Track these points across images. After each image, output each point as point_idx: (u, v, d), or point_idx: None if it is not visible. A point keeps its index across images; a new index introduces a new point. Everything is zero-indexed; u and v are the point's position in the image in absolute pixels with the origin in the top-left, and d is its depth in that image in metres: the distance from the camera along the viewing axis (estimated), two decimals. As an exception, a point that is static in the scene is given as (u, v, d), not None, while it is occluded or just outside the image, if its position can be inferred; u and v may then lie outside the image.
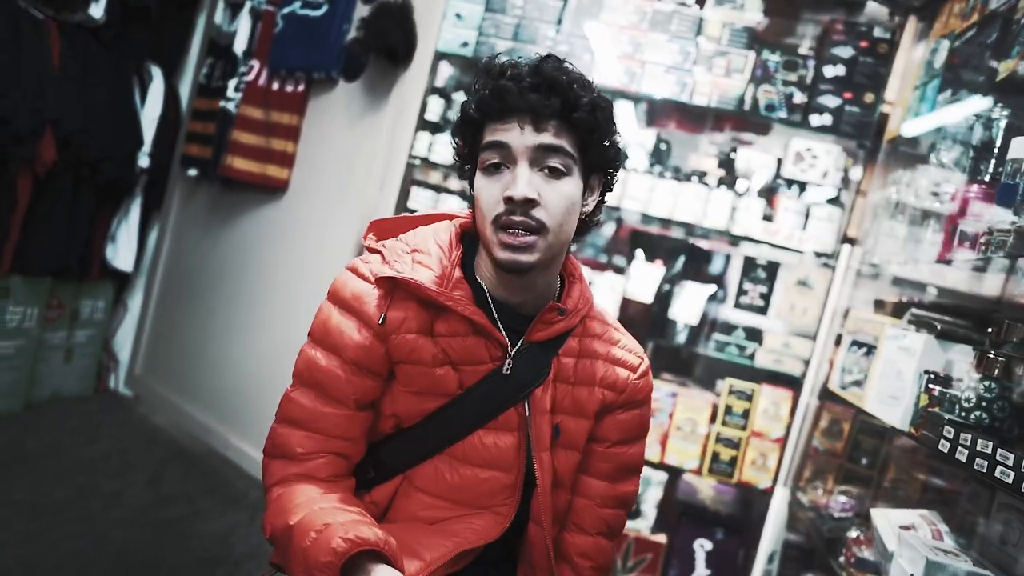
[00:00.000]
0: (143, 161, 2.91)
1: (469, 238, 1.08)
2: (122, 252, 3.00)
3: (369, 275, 1.01)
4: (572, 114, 0.95)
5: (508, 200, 0.94)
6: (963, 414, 1.31)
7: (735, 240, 2.31)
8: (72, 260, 2.78)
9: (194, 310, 3.02)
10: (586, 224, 1.07)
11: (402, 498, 1.05)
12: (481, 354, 1.02)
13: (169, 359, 3.11)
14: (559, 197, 0.96)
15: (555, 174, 0.96)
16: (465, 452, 1.04)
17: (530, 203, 0.94)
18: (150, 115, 2.94)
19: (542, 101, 0.93)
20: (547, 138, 0.95)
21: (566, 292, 1.08)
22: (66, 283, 2.88)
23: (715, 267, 2.34)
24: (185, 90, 3.16)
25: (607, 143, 1.01)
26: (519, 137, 0.95)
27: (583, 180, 1.01)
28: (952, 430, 1.25)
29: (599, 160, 1.02)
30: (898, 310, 1.91)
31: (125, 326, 3.23)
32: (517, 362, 1.03)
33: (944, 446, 1.26)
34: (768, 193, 2.24)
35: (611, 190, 1.09)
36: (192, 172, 2.98)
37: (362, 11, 2.52)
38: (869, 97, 2.12)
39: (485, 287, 1.04)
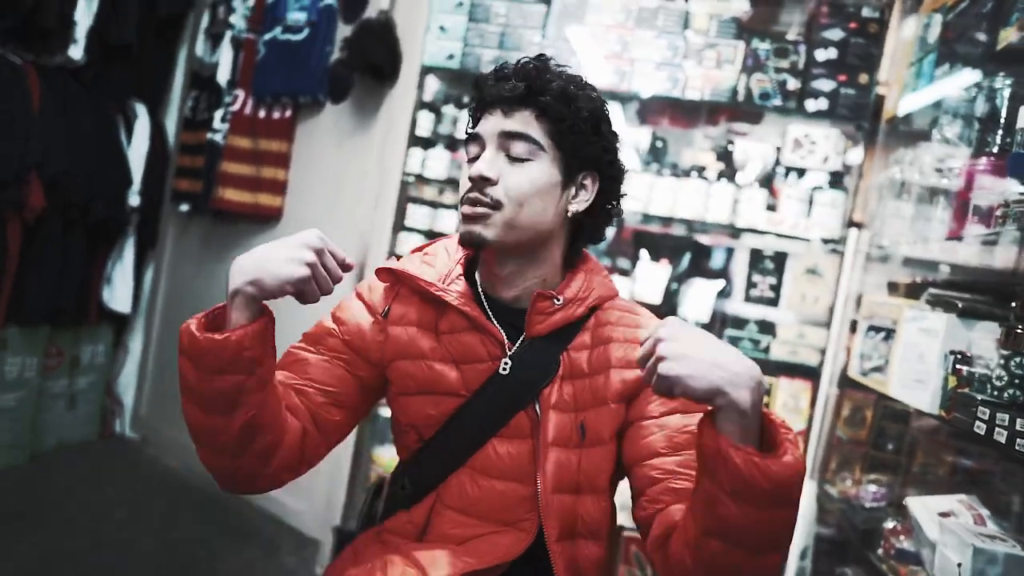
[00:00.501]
0: (133, 200, 2.88)
1: None
2: (119, 293, 2.96)
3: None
4: (539, 98, 0.97)
5: (469, 179, 0.98)
6: (995, 393, 1.27)
7: (740, 233, 2.28)
8: (67, 305, 2.73)
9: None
10: (587, 227, 1.07)
11: (436, 516, 1.04)
12: (479, 351, 1.01)
13: (175, 398, 3.03)
14: (520, 178, 0.97)
15: (518, 160, 0.98)
16: (483, 463, 1.01)
17: (486, 181, 0.97)
18: (137, 153, 2.91)
19: (509, 88, 0.97)
20: (511, 124, 0.98)
21: (564, 282, 1.05)
22: (64, 330, 2.84)
23: (721, 262, 2.31)
24: (171, 125, 3.13)
25: (589, 136, 1.00)
26: (490, 124, 0.99)
27: (564, 174, 1.00)
28: (987, 411, 1.21)
29: (581, 154, 1.00)
30: (912, 291, 1.87)
31: (127, 368, 3.19)
32: (519, 361, 1.01)
33: (980, 428, 1.22)
34: (769, 183, 2.21)
35: (615, 196, 1.07)
36: (184, 207, 2.95)
37: (344, 32, 2.50)
38: (863, 78, 2.09)
39: (480, 285, 1.06)
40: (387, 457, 2.39)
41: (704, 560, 0.80)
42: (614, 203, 1.07)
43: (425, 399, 1.03)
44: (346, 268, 0.90)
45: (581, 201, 1.03)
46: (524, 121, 0.98)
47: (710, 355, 0.75)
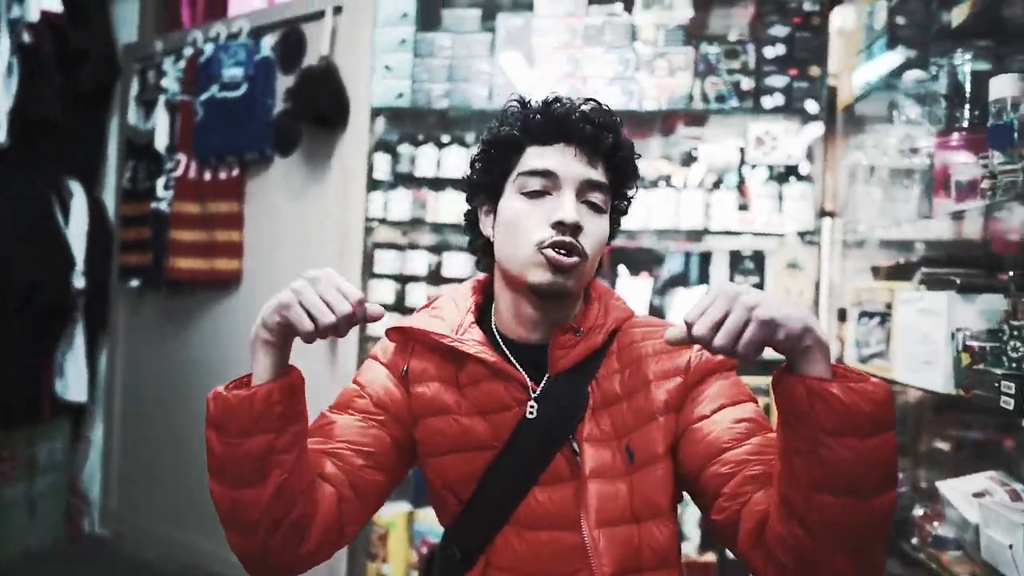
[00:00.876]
0: (78, 281, 2.72)
1: (487, 290, 1.08)
2: (72, 383, 2.77)
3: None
4: (618, 153, 0.97)
5: (558, 224, 0.92)
6: (1013, 366, 1.25)
7: (716, 236, 2.27)
8: (17, 403, 2.54)
9: (163, 428, 2.80)
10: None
11: None
12: (504, 398, 0.97)
13: (146, 486, 2.86)
14: (598, 229, 0.96)
15: (596, 209, 0.96)
16: (527, 515, 0.95)
17: (579, 229, 0.93)
18: (77, 232, 2.75)
19: (597, 134, 0.94)
20: (597, 174, 0.96)
21: (581, 313, 1.02)
22: (16, 431, 2.63)
23: (701, 268, 2.29)
24: (110, 199, 2.97)
25: (631, 195, 1.04)
26: (569, 165, 0.94)
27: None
28: (1012, 385, 1.19)
29: (622, 209, 1.04)
30: (896, 273, 1.88)
31: (91, 461, 2.98)
32: (546, 401, 0.96)
33: (1007, 403, 1.20)
34: (738, 183, 2.21)
35: (608, 242, 1.07)
36: (134, 282, 2.79)
37: (285, 82, 2.42)
38: (815, 70, 2.12)
39: (500, 330, 1.02)
40: (386, 518, 2.26)
41: (817, 524, 0.76)
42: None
43: (457, 457, 0.98)
44: (368, 317, 0.84)
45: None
46: (602, 172, 0.97)
47: (778, 298, 0.78)
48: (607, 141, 0.95)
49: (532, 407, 0.96)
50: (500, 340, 1.01)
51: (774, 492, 0.82)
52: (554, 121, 0.95)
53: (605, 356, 1.01)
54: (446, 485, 0.99)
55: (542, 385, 0.97)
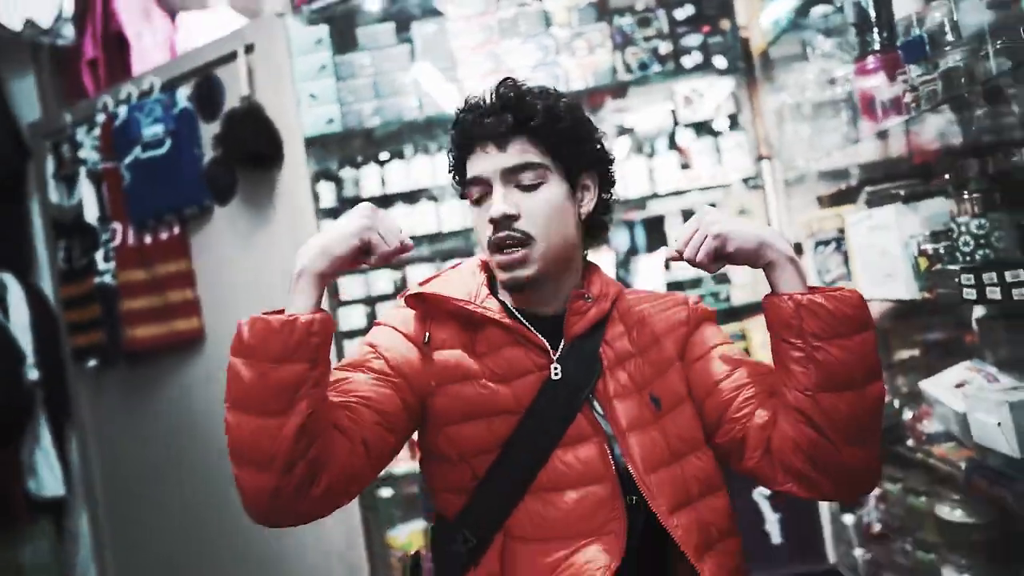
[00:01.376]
0: (32, 374, 2.60)
1: (489, 270, 1.12)
2: (47, 479, 2.65)
3: (404, 305, 1.07)
4: (530, 124, 0.98)
5: (491, 221, 0.99)
6: (968, 259, 1.34)
7: (664, 200, 2.34)
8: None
9: (151, 505, 2.70)
10: (595, 224, 1.10)
11: (511, 557, 0.97)
12: (524, 363, 1.02)
13: (144, 569, 2.76)
14: (539, 204, 1.00)
15: (530, 187, 1.00)
16: (551, 478, 0.98)
17: (510, 218, 0.99)
18: (19, 325, 2.63)
19: (496, 123, 0.99)
20: (511, 159, 1.00)
21: (588, 281, 1.09)
22: (-4, 541, 2.51)
23: (657, 233, 2.35)
24: (47, 284, 2.85)
25: (580, 142, 1.04)
26: (488, 163, 1.00)
27: (569, 183, 1.04)
28: (971, 277, 1.27)
29: (580, 160, 1.05)
30: (839, 199, 1.98)
31: (81, 554, 2.85)
32: (564, 364, 1.02)
33: (970, 294, 1.28)
34: (676, 143, 2.28)
35: (613, 184, 1.12)
36: (91, 363, 2.69)
37: (210, 130, 2.37)
38: (725, 24, 2.21)
39: (512, 304, 1.08)
40: (403, 537, 2.25)
41: (825, 422, 0.89)
42: (610, 191, 1.11)
43: (479, 424, 1.00)
44: (404, 248, 0.93)
45: (588, 202, 1.07)
46: (522, 150, 0.99)
47: (744, 220, 0.94)
48: (508, 122, 0.98)
49: (556, 368, 1.00)
50: (514, 310, 1.06)
51: (781, 404, 0.95)
52: (461, 132, 1.03)
53: (608, 321, 1.07)
54: (462, 456, 1.00)
55: (560, 348, 1.02)
